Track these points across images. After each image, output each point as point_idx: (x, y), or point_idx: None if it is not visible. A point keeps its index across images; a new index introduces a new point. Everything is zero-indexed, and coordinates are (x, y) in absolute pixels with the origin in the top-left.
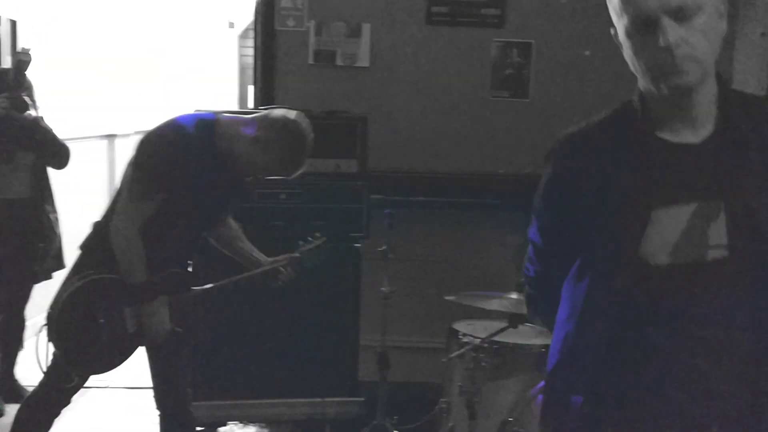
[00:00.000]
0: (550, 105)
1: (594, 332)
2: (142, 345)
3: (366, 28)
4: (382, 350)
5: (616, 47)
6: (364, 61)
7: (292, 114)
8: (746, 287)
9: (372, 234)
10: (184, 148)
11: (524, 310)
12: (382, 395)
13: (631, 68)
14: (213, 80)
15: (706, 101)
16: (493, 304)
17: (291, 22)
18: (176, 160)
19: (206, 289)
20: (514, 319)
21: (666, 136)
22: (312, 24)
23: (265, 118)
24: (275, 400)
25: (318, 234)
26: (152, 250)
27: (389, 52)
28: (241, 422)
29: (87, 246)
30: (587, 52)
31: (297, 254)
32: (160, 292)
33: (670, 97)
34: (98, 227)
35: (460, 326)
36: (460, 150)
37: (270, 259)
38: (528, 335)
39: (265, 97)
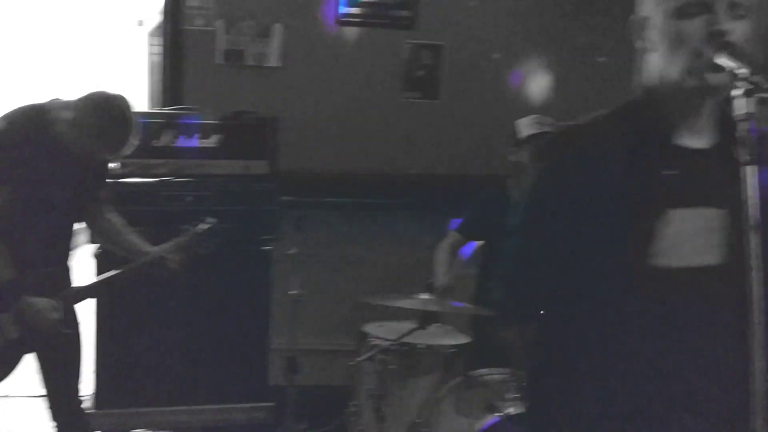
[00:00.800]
0: (461, 106)
1: (604, 337)
2: (29, 351)
3: (277, 28)
4: (291, 354)
5: (525, 50)
6: (274, 61)
7: (108, 92)
8: (738, 296)
9: (282, 236)
10: (17, 138)
11: (433, 310)
12: (291, 400)
13: (660, 62)
14: (121, 79)
15: (715, 108)
16: (404, 304)
17: (199, 21)
18: (10, 152)
19: (89, 285)
20: (423, 320)
21: (674, 138)
22: (221, 23)
23: (81, 98)
24: (183, 407)
25: (208, 218)
26: (16, 247)
27: (300, 52)
28: (147, 430)
29: None
30: (496, 55)
31: (183, 238)
32: (33, 291)
33: (696, 94)
34: None
35: (371, 328)
36: (372, 151)
37: (157, 248)
38: (437, 336)
39: (172, 97)
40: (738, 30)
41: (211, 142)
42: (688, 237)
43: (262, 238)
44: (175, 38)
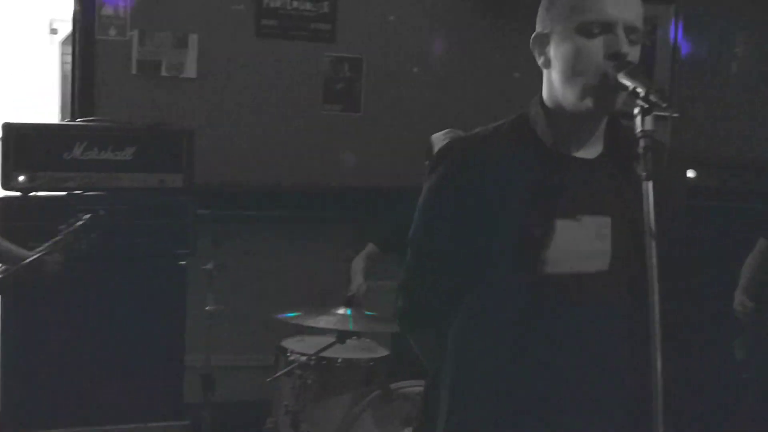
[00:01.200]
0: (382, 119)
1: (496, 342)
2: None
3: (193, 39)
4: (206, 371)
5: (444, 64)
6: (191, 72)
7: None
8: (625, 300)
9: (198, 251)
10: None
11: (350, 326)
12: (207, 418)
13: (557, 77)
14: (33, 89)
15: (603, 125)
16: (320, 322)
17: (113, 31)
18: None
19: None
20: (341, 334)
21: (565, 150)
22: (135, 33)
23: None
24: (95, 427)
25: (83, 214)
26: None
27: (218, 63)
28: None
29: None
30: (415, 69)
31: (59, 238)
32: None
33: (593, 111)
34: None
35: (289, 343)
36: (292, 163)
37: (33, 252)
38: (356, 350)
39: (84, 108)
40: (633, 54)
41: (125, 154)
42: (575, 244)
43: (177, 252)
44: (88, 48)
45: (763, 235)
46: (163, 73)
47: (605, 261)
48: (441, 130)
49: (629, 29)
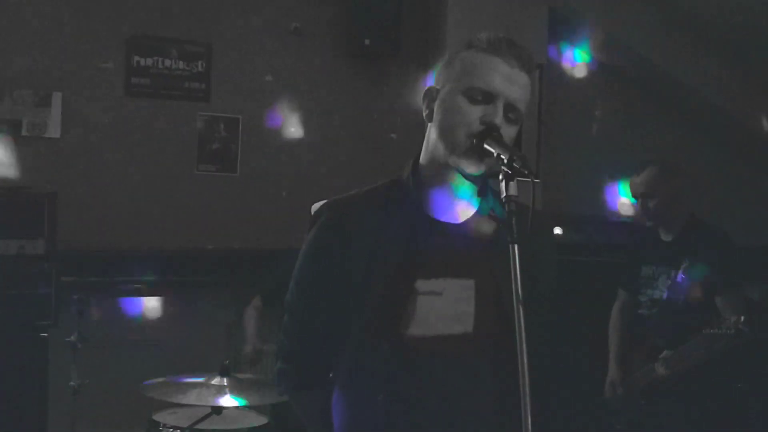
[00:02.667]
0: (258, 179)
1: (369, 402)
2: None
3: (57, 97)
4: None
5: (321, 126)
6: (54, 132)
7: None
8: (490, 360)
9: (61, 321)
10: None
11: (225, 401)
12: None
13: (434, 130)
14: None
15: (473, 191)
16: (191, 397)
17: None
18: None
19: None
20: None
21: (433, 213)
22: None
23: None
24: None
25: None
26: None
27: (83, 122)
28: None
29: None
30: (293, 129)
31: None
32: None
33: (453, 171)
34: None
35: (161, 416)
36: (165, 226)
37: None
38: (233, 419)
39: None
40: (508, 132)
41: None
42: (439, 308)
43: (39, 323)
44: None
45: (620, 286)
46: (24, 132)
47: (469, 323)
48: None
49: (509, 107)
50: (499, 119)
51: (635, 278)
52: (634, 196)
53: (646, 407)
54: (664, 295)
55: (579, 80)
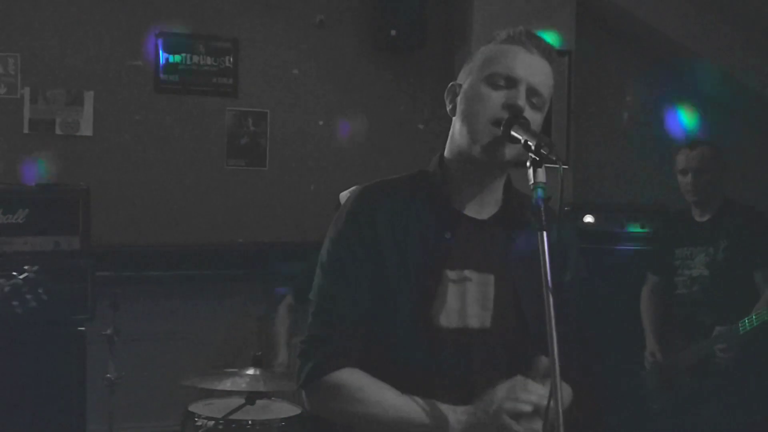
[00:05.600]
0: (288, 173)
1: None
2: None
3: (88, 96)
4: None
5: (349, 117)
6: (87, 130)
7: None
8: (504, 357)
9: (97, 315)
10: None
11: (260, 386)
12: None
13: (457, 122)
14: None
15: (499, 187)
16: (227, 384)
17: (2, 89)
18: None
19: None
20: (251, 396)
21: (458, 207)
22: (27, 90)
23: None
24: None
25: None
26: None
27: (115, 120)
28: None
29: None
30: (321, 122)
31: None
32: None
33: (477, 161)
34: None
35: (197, 408)
36: (197, 220)
37: None
38: (266, 411)
39: None
40: (533, 118)
41: (18, 217)
42: (462, 300)
43: (76, 318)
44: None
45: (649, 270)
46: (57, 131)
47: (487, 318)
48: (347, 186)
49: (531, 91)
50: (522, 101)
51: (667, 261)
52: (684, 169)
53: (690, 384)
54: (705, 273)
55: (609, 67)
